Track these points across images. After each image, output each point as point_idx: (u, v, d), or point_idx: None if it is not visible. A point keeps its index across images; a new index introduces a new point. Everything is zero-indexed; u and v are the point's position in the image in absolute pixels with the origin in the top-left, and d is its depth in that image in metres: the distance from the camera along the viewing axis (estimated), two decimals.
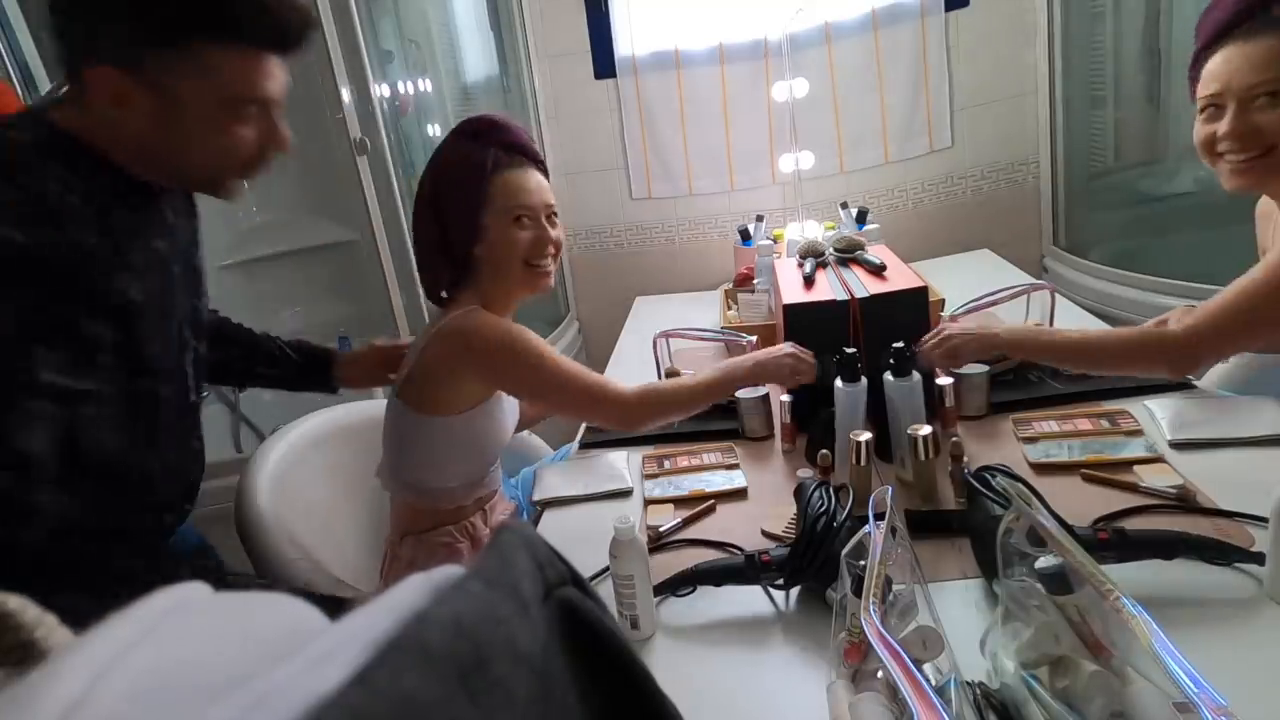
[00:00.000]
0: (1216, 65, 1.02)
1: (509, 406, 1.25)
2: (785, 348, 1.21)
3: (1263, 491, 0.81)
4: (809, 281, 1.36)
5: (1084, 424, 1.17)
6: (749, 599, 0.92)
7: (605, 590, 0.92)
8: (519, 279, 1.19)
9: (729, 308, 1.99)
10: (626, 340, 1.99)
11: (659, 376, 1.44)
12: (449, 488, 1.18)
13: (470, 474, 1.20)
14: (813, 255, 1.47)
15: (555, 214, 1.21)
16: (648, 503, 1.18)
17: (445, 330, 1.12)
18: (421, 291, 1.27)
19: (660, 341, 1.48)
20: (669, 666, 0.85)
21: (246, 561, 1.15)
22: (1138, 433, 1.13)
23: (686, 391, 1.19)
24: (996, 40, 2.31)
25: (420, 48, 2.40)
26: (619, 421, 1.17)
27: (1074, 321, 1.57)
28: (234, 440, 2.31)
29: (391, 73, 2.20)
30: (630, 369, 1.74)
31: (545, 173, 1.21)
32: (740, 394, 1.34)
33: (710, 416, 1.41)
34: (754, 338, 1.43)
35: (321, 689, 0.16)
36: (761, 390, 1.35)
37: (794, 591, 0.92)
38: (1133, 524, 0.88)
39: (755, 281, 1.89)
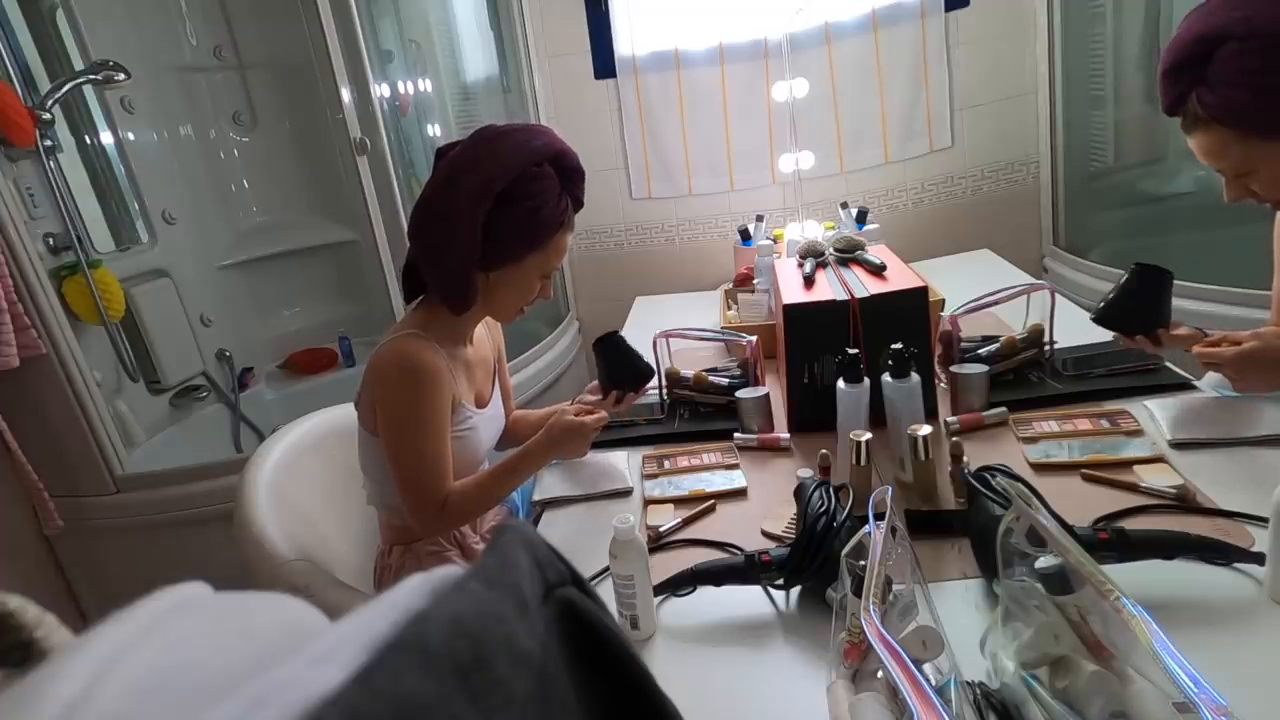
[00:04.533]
0: None
1: (483, 424, 1.22)
2: (566, 412, 1.19)
3: (1263, 491, 0.81)
4: (809, 281, 1.36)
5: (1084, 424, 1.17)
6: (749, 599, 0.92)
7: (605, 590, 0.92)
8: (502, 315, 1.21)
9: (729, 308, 1.99)
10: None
11: (660, 376, 1.44)
12: None
13: None
14: (813, 255, 1.47)
15: None
16: (648, 503, 1.18)
17: (373, 356, 1.11)
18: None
19: (660, 341, 1.48)
20: (669, 666, 0.85)
21: (245, 561, 1.15)
22: (1138, 433, 1.12)
23: (492, 488, 1.14)
24: (996, 40, 2.31)
25: (420, 48, 2.40)
26: (421, 526, 1.13)
27: (1074, 322, 1.57)
28: (234, 440, 2.31)
29: (391, 73, 2.20)
30: None
31: None
32: (740, 394, 1.34)
33: (711, 416, 1.41)
34: (754, 338, 1.43)
35: (321, 689, 0.16)
36: (761, 390, 1.35)
37: (794, 591, 0.92)
38: (1133, 524, 0.88)
39: (755, 281, 1.89)
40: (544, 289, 1.18)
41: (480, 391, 1.25)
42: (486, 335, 1.30)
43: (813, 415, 1.26)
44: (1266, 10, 0.89)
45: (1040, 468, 1.08)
